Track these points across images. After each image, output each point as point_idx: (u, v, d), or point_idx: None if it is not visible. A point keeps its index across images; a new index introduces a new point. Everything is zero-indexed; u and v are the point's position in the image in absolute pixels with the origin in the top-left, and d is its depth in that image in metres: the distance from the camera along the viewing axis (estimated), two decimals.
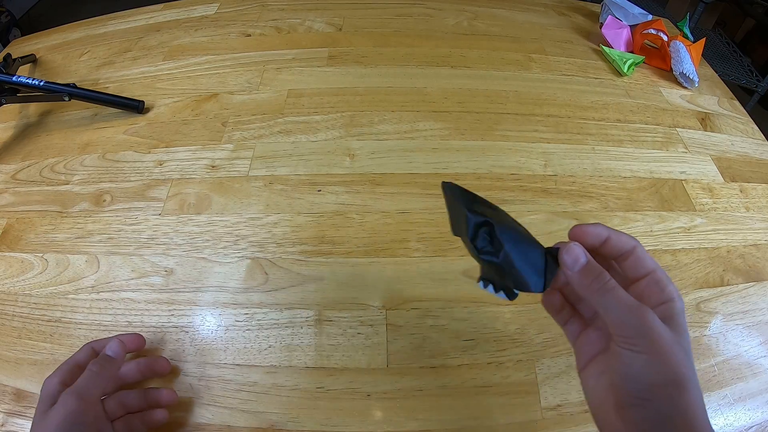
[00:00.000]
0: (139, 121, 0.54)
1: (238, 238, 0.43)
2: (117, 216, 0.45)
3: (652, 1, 1.62)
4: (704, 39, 0.68)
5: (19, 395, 0.35)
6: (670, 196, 0.49)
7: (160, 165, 0.49)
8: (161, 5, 0.75)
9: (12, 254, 0.43)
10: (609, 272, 0.22)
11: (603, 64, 0.65)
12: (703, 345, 0.38)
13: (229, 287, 0.40)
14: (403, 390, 0.35)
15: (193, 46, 0.65)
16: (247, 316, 0.38)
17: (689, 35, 0.69)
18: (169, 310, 0.39)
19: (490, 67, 0.62)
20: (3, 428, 0.34)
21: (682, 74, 0.62)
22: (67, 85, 0.54)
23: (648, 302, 0.21)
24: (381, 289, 0.40)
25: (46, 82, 0.53)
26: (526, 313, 0.39)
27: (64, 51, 0.68)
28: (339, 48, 0.63)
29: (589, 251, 0.23)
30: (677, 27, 0.73)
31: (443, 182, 0.24)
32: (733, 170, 0.53)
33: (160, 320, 0.38)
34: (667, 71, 0.65)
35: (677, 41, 0.63)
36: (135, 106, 0.55)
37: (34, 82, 0.53)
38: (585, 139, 0.53)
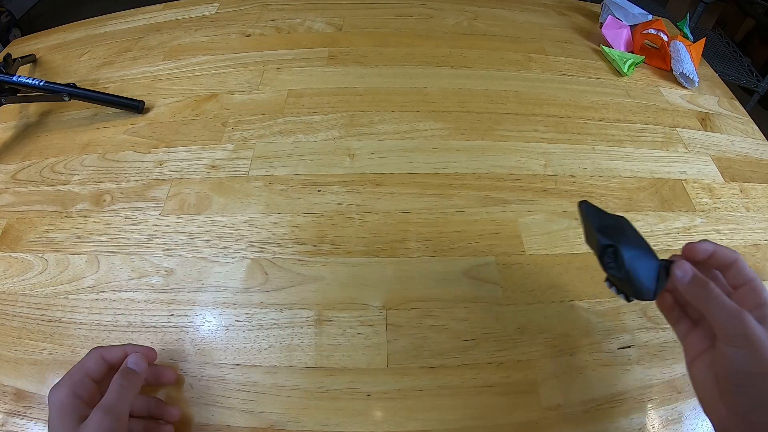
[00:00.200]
0: (139, 121, 0.54)
1: (238, 238, 0.43)
2: (117, 216, 0.45)
3: (652, 1, 1.63)
4: (704, 39, 0.68)
5: (19, 395, 0.35)
6: (670, 196, 0.49)
7: (160, 165, 0.49)
8: (161, 5, 0.75)
9: (12, 254, 0.43)
10: (714, 281, 0.26)
11: (603, 64, 0.65)
12: None
13: (229, 287, 0.40)
14: (403, 390, 0.35)
15: (193, 46, 0.65)
16: (247, 316, 0.38)
17: (689, 35, 0.69)
18: (169, 310, 0.39)
19: (490, 67, 0.62)
20: (3, 428, 0.34)
21: (682, 74, 0.62)
22: (67, 85, 0.54)
23: (747, 306, 0.25)
24: (381, 289, 0.40)
25: (46, 82, 0.53)
26: (526, 313, 0.39)
27: (64, 51, 0.69)
28: (339, 48, 0.63)
29: (698, 263, 0.27)
30: (677, 27, 0.73)
31: (579, 202, 0.29)
32: (733, 170, 0.53)
33: (160, 320, 0.38)
34: (667, 71, 0.65)
35: (677, 41, 0.63)
36: (135, 106, 0.55)
37: (34, 82, 0.53)
38: (585, 139, 0.53)
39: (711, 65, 0.69)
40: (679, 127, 0.57)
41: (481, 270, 0.41)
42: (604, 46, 0.66)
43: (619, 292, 0.28)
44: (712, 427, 0.26)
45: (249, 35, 0.67)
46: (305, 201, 0.45)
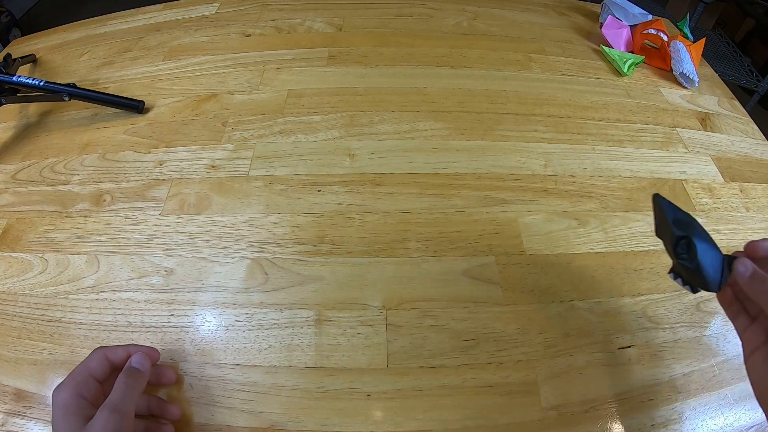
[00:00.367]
0: (139, 121, 0.54)
1: (238, 238, 0.43)
2: (117, 216, 0.45)
3: (652, 1, 1.63)
4: (704, 39, 0.68)
5: (19, 395, 0.35)
6: (670, 196, 0.49)
7: (160, 165, 0.49)
8: (161, 5, 0.75)
9: (12, 254, 0.43)
10: None
11: (603, 64, 0.65)
12: (703, 345, 0.38)
13: (229, 287, 0.40)
14: (403, 390, 0.35)
15: (193, 46, 0.65)
16: (247, 316, 0.38)
17: (689, 35, 0.69)
18: (169, 310, 0.39)
19: (490, 67, 0.62)
20: (3, 428, 0.34)
21: (682, 74, 0.62)
22: (67, 85, 0.54)
23: None
24: (381, 289, 0.40)
25: (46, 82, 0.53)
26: (526, 313, 0.39)
27: (64, 51, 0.69)
28: (339, 48, 0.63)
29: (759, 259, 0.28)
30: (677, 27, 0.73)
31: (654, 195, 0.31)
32: (733, 170, 0.53)
33: (160, 320, 0.38)
34: (667, 71, 0.65)
35: (677, 41, 0.63)
36: (135, 106, 0.55)
37: (34, 82, 0.53)
38: (585, 139, 0.53)
39: (711, 65, 0.69)
40: (679, 127, 0.57)
41: (481, 270, 0.41)
42: (604, 46, 0.66)
43: (684, 283, 0.30)
44: (766, 418, 0.26)
45: (249, 35, 0.67)
46: (305, 201, 0.45)
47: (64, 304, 0.40)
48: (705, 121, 0.58)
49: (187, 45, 0.65)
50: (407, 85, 0.58)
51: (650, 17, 0.70)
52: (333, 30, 0.67)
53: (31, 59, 0.67)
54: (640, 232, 0.45)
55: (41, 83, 0.53)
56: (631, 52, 0.67)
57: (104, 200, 0.47)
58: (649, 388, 0.36)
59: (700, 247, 0.29)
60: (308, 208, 0.45)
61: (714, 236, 0.45)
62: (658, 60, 0.66)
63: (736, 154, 0.55)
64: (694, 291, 0.29)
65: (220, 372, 0.36)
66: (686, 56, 0.62)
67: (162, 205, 0.46)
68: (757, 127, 0.59)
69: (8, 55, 0.62)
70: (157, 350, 0.34)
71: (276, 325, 0.38)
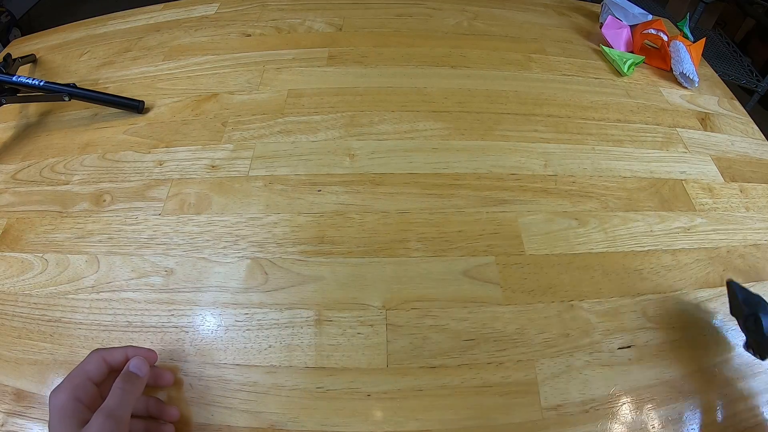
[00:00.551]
0: (139, 121, 0.54)
1: (238, 238, 0.43)
2: (117, 216, 0.45)
3: (652, 1, 1.63)
4: (704, 39, 0.68)
5: (19, 395, 0.35)
6: (670, 196, 0.49)
7: (160, 165, 0.49)
8: (161, 5, 0.75)
9: (12, 254, 0.43)
10: None
11: (603, 64, 0.65)
12: (703, 345, 0.38)
13: (229, 287, 0.40)
14: (403, 390, 0.35)
15: (193, 46, 0.65)
16: (247, 316, 0.38)
17: (689, 35, 0.69)
18: (169, 310, 0.39)
19: (490, 67, 0.62)
20: (3, 428, 0.34)
21: (682, 74, 0.62)
22: (67, 85, 0.54)
23: None
24: (381, 289, 0.40)
25: (46, 82, 0.53)
26: (526, 313, 0.39)
27: (64, 51, 0.69)
28: (339, 48, 0.63)
29: None
30: (677, 27, 0.73)
31: (728, 281, 0.37)
32: (733, 170, 0.53)
33: (160, 320, 0.38)
34: (667, 71, 0.65)
35: (677, 41, 0.63)
36: (135, 106, 0.55)
37: (34, 82, 0.53)
38: (585, 139, 0.53)
39: (711, 65, 0.69)
40: (679, 127, 0.57)
41: (481, 270, 0.41)
42: (604, 46, 0.66)
43: (755, 353, 0.35)
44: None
45: (249, 35, 0.67)
46: (305, 201, 0.45)
47: (64, 304, 0.40)
48: (705, 121, 0.58)
49: (187, 45, 0.65)
50: (407, 85, 0.58)
51: (650, 17, 0.70)
52: (333, 30, 0.67)
53: (31, 59, 0.67)
54: (640, 232, 0.45)
55: (41, 83, 0.53)
56: (631, 52, 0.67)
57: (104, 200, 0.47)
58: (649, 388, 0.36)
59: (766, 322, 0.33)
60: (308, 208, 0.45)
61: (714, 236, 0.46)
62: (658, 60, 0.66)
63: (736, 154, 0.55)
64: (763, 359, 0.34)
65: (219, 372, 0.36)
66: (686, 56, 0.62)
67: (162, 205, 0.46)
68: (757, 127, 0.59)
69: (8, 55, 0.62)
70: (155, 352, 0.34)
71: (276, 325, 0.38)
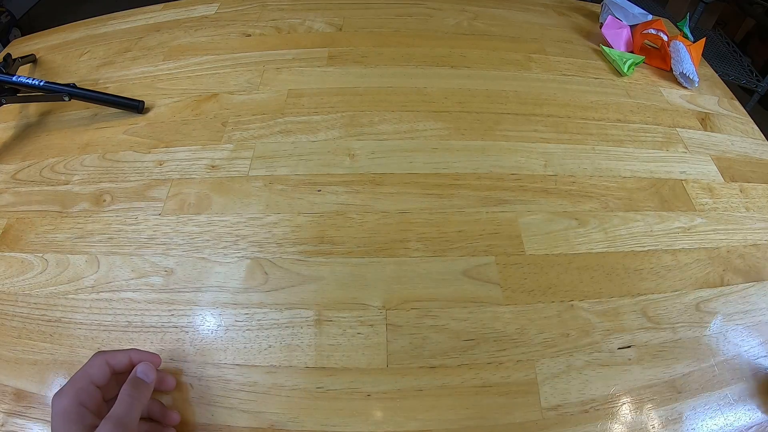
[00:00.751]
0: (139, 121, 0.54)
1: (238, 238, 0.43)
2: (117, 216, 0.45)
3: (652, 1, 1.63)
4: (704, 39, 0.68)
5: (19, 395, 0.35)
6: (670, 196, 0.49)
7: (160, 165, 0.49)
8: (161, 5, 0.75)
9: (12, 254, 0.43)
10: None
11: (603, 64, 0.65)
12: (703, 345, 0.39)
13: (229, 287, 0.40)
14: (403, 390, 0.35)
15: (193, 46, 0.65)
16: (247, 316, 0.38)
17: (689, 35, 0.69)
18: (169, 310, 0.39)
19: (490, 67, 0.62)
20: (3, 428, 0.34)
21: (682, 74, 0.62)
22: (67, 85, 0.54)
23: None
24: (381, 289, 0.40)
25: (46, 82, 0.53)
26: (526, 313, 0.39)
27: (64, 51, 0.69)
28: (339, 48, 0.63)
29: None
30: (677, 27, 0.73)
31: None
32: (733, 170, 0.53)
33: (160, 320, 0.38)
34: (667, 71, 0.65)
35: (677, 41, 0.63)
36: (135, 106, 0.55)
37: (34, 82, 0.53)
38: (585, 139, 0.53)
39: (711, 65, 0.69)
40: (679, 127, 0.57)
41: (481, 270, 0.41)
42: (604, 46, 0.66)
43: None
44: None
45: (249, 35, 0.67)
46: (305, 201, 0.45)
47: (64, 304, 0.40)
48: (705, 121, 0.58)
49: (187, 45, 0.65)
50: (407, 85, 0.58)
51: (650, 17, 0.70)
52: (333, 30, 0.67)
53: (31, 59, 0.67)
54: (640, 232, 0.45)
55: (41, 83, 0.53)
56: (631, 52, 0.67)
57: (104, 200, 0.47)
58: (649, 388, 0.36)
59: None
60: (308, 208, 0.45)
61: (714, 236, 0.46)
62: (658, 60, 0.66)
63: (736, 154, 0.55)
64: None
65: (220, 372, 0.36)
66: (686, 56, 0.62)
67: (162, 205, 0.46)
68: (757, 127, 0.59)
69: (8, 55, 0.62)
70: (158, 356, 0.34)
71: (276, 325, 0.38)
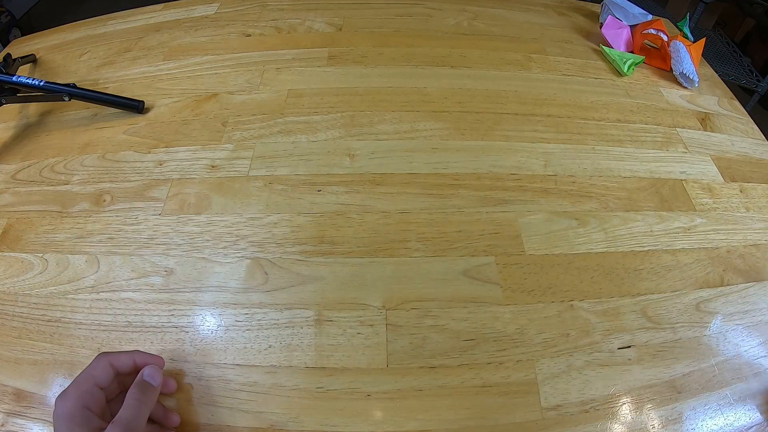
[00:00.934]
0: (139, 121, 0.54)
1: (238, 238, 0.43)
2: (117, 216, 0.45)
3: (652, 1, 1.63)
4: (704, 39, 0.68)
5: (19, 395, 0.35)
6: (670, 196, 0.49)
7: (160, 165, 0.49)
8: (161, 5, 0.75)
9: (12, 254, 0.43)
10: None
11: (603, 64, 0.65)
12: (703, 345, 0.39)
13: (229, 287, 0.40)
14: (403, 390, 0.35)
15: (193, 46, 0.65)
16: (247, 316, 0.38)
17: (689, 35, 0.69)
18: (169, 310, 0.39)
19: (490, 67, 0.62)
20: (3, 428, 0.34)
21: (682, 74, 0.62)
22: (67, 85, 0.54)
23: None
24: (381, 289, 0.40)
25: (46, 82, 0.53)
26: (526, 313, 0.39)
27: (64, 51, 0.69)
28: (339, 48, 0.63)
29: None
30: (677, 27, 0.73)
31: None
32: (733, 170, 0.53)
33: (160, 320, 0.38)
34: (667, 71, 0.65)
35: (677, 41, 0.63)
36: (135, 106, 0.55)
37: (34, 82, 0.53)
38: (585, 139, 0.53)
39: (711, 65, 0.69)
40: (679, 127, 0.57)
41: (481, 270, 0.41)
42: (604, 46, 0.66)
43: None
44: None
45: (249, 35, 0.67)
46: (305, 201, 0.45)
47: (64, 304, 0.40)
48: (705, 121, 0.58)
49: (187, 45, 0.65)
50: (407, 85, 0.58)
51: (650, 17, 0.70)
52: (333, 30, 0.67)
53: (31, 59, 0.67)
54: (640, 232, 0.45)
55: (41, 83, 0.53)
56: (631, 52, 0.67)
57: (104, 200, 0.47)
58: (649, 388, 0.36)
59: None
60: (308, 208, 0.45)
61: (714, 236, 0.46)
62: (658, 60, 0.66)
63: (736, 154, 0.55)
64: None
65: (220, 372, 0.36)
66: (686, 56, 0.62)
67: (162, 205, 0.46)
68: (757, 127, 0.59)
69: (8, 55, 0.62)
70: (162, 358, 0.34)
71: (276, 325, 0.38)
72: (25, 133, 0.55)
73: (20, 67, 0.64)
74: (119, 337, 0.38)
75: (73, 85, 0.54)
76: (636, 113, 0.58)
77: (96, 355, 0.32)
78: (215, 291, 0.40)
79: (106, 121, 0.55)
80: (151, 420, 0.33)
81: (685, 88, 0.63)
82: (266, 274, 0.41)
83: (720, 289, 0.42)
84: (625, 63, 0.63)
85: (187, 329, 0.38)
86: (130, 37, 0.69)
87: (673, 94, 0.62)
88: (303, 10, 0.71)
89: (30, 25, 2.02)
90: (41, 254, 0.43)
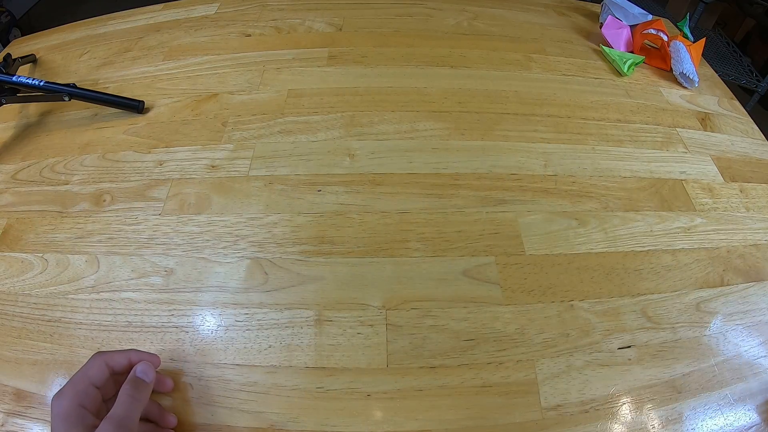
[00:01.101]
0: (139, 121, 0.54)
1: (238, 238, 0.43)
2: (117, 216, 0.45)
3: (652, 1, 1.63)
4: (704, 39, 0.68)
5: (19, 395, 0.35)
6: (670, 196, 0.49)
7: (160, 165, 0.49)
8: (161, 5, 0.75)
9: (12, 254, 0.43)
10: None
11: (603, 64, 0.65)
12: (703, 345, 0.39)
13: (229, 287, 0.40)
14: (403, 390, 0.35)
15: (193, 46, 0.65)
16: (247, 316, 0.38)
17: (689, 35, 0.69)
18: (169, 310, 0.39)
19: (490, 67, 0.62)
20: (3, 428, 0.34)
21: (682, 74, 0.62)
22: (67, 85, 0.54)
23: None
24: (381, 289, 0.40)
25: (46, 82, 0.53)
26: (526, 313, 0.39)
27: (64, 51, 0.69)
28: (339, 48, 0.63)
29: None
30: (677, 27, 0.73)
31: None
32: (733, 170, 0.53)
33: (160, 320, 0.38)
34: (667, 71, 0.65)
35: (677, 41, 0.63)
36: (135, 106, 0.55)
37: (34, 82, 0.53)
38: (585, 139, 0.53)
39: (711, 65, 0.69)
40: (679, 127, 0.57)
41: (481, 270, 0.41)
42: (604, 46, 0.66)
43: None
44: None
45: (249, 35, 0.67)
46: (305, 201, 0.45)
47: (64, 304, 0.40)
48: (705, 121, 0.58)
49: (187, 45, 0.65)
50: (407, 85, 0.58)
51: (650, 17, 0.70)
52: (333, 30, 0.67)
53: (31, 59, 0.67)
54: (640, 232, 0.45)
55: (41, 83, 0.53)
56: (631, 52, 0.67)
57: (104, 200, 0.47)
58: (649, 388, 0.36)
59: None
60: (308, 208, 0.45)
61: (714, 236, 0.46)
62: (658, 60, 0.66)
63: (736, 154, 0.55)
64: None
65: (220, 372, 0.36)
66: (686, 56, 0.62)
67: (162, 205, 0.46)
68: (757, 127, 0.59)
69: (8, 55, 0.62)
70: (158, 356, 0.34)
71: (276, 325, 0.38)
72: (25, 133, 0.55)
73: (20, 67, 0.64)
74: (119, 337, 0.38)
75: (73, 85, 0.54)
76: (636, 113, 0.58)
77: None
78: (215, 291, 0.40)
79: (106, 121, 0.55)
80: (147, 420, 0.33)
81: (685, 88, 0.63)
82: (266, 274, 0.41)
83: (720, 289, 0.42)
84: (625, 63, 0.63)
85: (187, 329, 0.38)
86: (130, 37, 0.69)
87: (673, 94, 0.62)
88: (303, 10, 0.71)
89: (30, 25, 2.02)
90: (41, 254, 0.43)
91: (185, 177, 0.48)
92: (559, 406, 0.35)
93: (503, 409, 0.34)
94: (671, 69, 0.64)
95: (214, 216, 0.44)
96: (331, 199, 0.46)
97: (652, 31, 0.65)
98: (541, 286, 0.40)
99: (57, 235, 0.44)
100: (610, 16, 0.69)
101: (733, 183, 0.51)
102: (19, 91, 0.54)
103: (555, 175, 0.49)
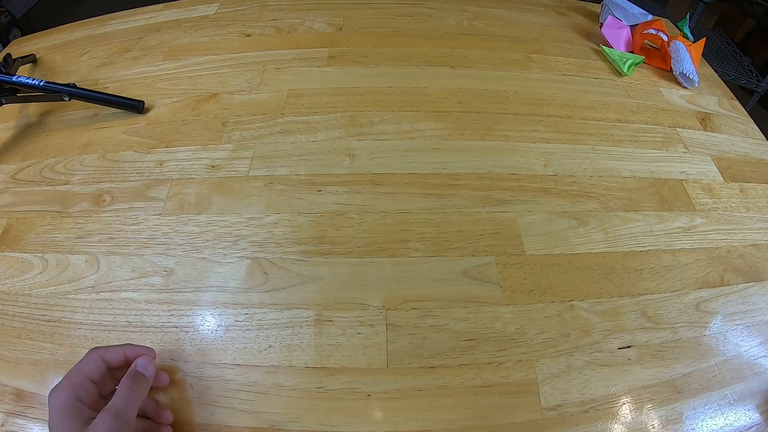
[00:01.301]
0: (139, 121, 0.54)
1: (238, 238, 0.43)
2: (117, 216, 0.45)
3: (652, 1, 1.63)
4: (704, 39, 0.68)
5: (19, 395, 0.35)
6: (670, 196, 0.49)
7: (160, 165, 0.49)
8: (161, 5, 0.75)
9: (12, 254, 0.43)
10: None
11: (603, 64, 0.65)
12: (703, 345, 0.39)
13: (229, 287, 0.40)
14: (403, 390, 0.35)
15: (193, 46, 0.65)
16: (247, 316, 0.38)
17: (689, 35, 0.69)
18: (169, 310, 0.39)
19: (490, 67, 0.62)
20: (3, 428, 0.34)
21: (682, 74, 0.62)
22: (67, 85, 0.54)
23: None
24: (381, 289, 0.40)
25: (46, 82, 0.53)
26: (526, 313, 0.39)
27: (64, 51, 0.69)
28: (339, 48, 0.63)
29: None
30: (677, 27, 0.73)
31: None
32: (733, 170, 0.53)
33: (160, 320, 0.38)
34: (667, 71, 0.65)
35: (677, 41, 0.63)
36: (135, 106, 0.55)
37: (34, 82, 0.53)
38: (585, 139, 0.53)
39: (711, 65, 0.69)
40: (679, 127, 0.57)
41: (481, 270, 0.41)
42: (604, 46, 0.66)
43: None
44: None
45: (249, 35, 0.67)
46: (305, 201, 0.45)
47: (64, 304, 0.40)
48: (705, 121, 0.58)
49: (187, 45, 0.65)
50: (407, 85, 0.58)
51: (650, 17, 0.70)
52: (333, 30, 0.67)
53: (31, 59, 0.67)
54: (640, 232, 0.45)
55: (41, 83, 0.53)
56: (631, 52, 0.67)
57: (104, 200, 0.47)
58: (649, 388, 0.36)
59: None
60: (308, 208, 0.45)
61: (714, 236, 0.46)
62: (658, 60, 0.66)
63: (736, 154, 0.55)
64: None
65: (219, 372, 0.36)
66: (686, 56, 0.62)
67: (162, 205, 0.46)
68: (757, 127, 0.59)
69: (8, 55, 0.62)
70: (153, 350, 0.34)
71: (276, 325, 0.38)
72: (25, 133, 0.55)
73: (20, 67, 0.64)
74: (119, 337, 0.38)
75: (73, 85, 0.54)
76: (636, 113, 0.58)
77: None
78: (215, 291, 0.40)
79: (106, 121, 0.55)
80: (144, 416, 0.33)
81: (685, 88, 0.63)
82: (266, 274, 0.41)
83: (720, 289, 0.42)
84: (625, 63, 0.63)
85: (187, 329, 0.38)
86: (130, 37, 0.69)
87: (673, 94, 0.62)
88: (303, 10, 0.71)
89: (30, 25, 2.02)
90: (41, 254, 0.43)
91: (185, 177, 0.48)
92: (559, 406, 0.35)
93: (503, 409, 0.34)
94: (671, 69, 0.64)
95: (214, 216, 0.44)
96: (331, 199, 0.46)
97: (652, 31, 0.65)
98: (541, 286, 0.40)
99: (57, 235, 0.44)
100: (610, 16, 0.69)
101: (733, 183, 0.51)
102: (19, 91, 0.54)
103: (555, 175, 0.49)
